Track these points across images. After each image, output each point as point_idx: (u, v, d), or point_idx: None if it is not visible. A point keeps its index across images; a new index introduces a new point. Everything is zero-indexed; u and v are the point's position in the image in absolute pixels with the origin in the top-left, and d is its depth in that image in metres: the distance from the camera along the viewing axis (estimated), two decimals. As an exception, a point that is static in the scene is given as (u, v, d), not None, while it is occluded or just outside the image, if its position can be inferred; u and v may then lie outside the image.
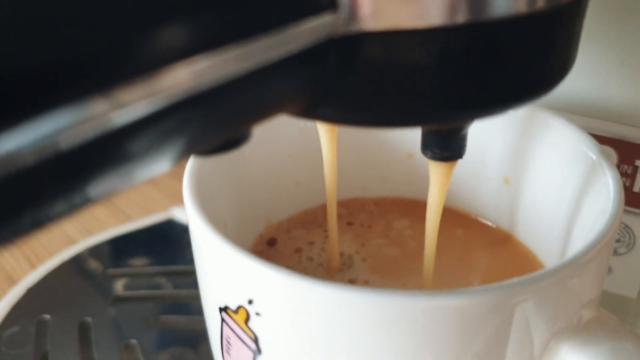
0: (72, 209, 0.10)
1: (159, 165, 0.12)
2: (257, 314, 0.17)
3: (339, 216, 0.26)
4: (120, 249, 0.35)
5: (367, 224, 0.27)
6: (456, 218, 0.26)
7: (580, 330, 0.17)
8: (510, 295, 0.16)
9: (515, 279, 0.16)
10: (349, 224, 0.27)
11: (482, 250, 0.25)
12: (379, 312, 0.16)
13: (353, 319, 0.16)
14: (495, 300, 0.16)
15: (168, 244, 0.36)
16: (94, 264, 0.34)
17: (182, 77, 0.11)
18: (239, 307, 0.17)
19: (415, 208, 0.27)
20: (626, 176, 0.25)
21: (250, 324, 0.17)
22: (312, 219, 0.27)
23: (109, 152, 0.10)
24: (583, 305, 0.17)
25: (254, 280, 0.17)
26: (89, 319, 0.30)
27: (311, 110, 0.14)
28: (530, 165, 0.24)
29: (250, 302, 0.17)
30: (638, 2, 0.23)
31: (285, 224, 0.27)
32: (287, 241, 0.25)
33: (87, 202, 0.11)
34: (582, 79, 0.25)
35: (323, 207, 0.27)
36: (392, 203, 0.28)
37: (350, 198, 0.28)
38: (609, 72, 0.24)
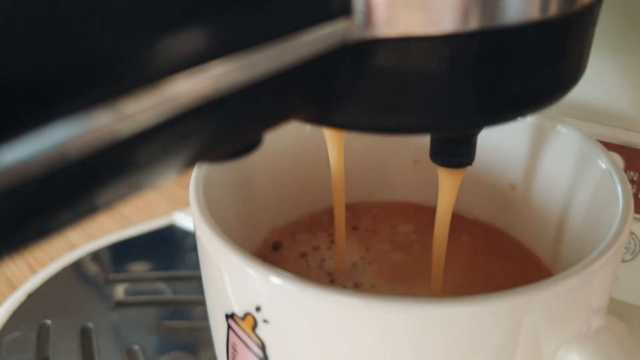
0: (79, 218, 0.10)
1: (169, 173, 0.11)
2: (265, 321, 0.17)
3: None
4: (122, 253, 0.35)
5: (372, 228, 0.26)
6: (462, 223, 0.26)
7: (590, 339, 0.17)
8: (520, 303, 0.16)
9: (525, 287, 0.16)
10: (354, 228, 0.26)
11: (488, 256, 0.25)
12: (388, 319, 0.15)
13: (362, 327, 0.16)
14: (505, 307, 0.16)
15: (169, 249, 0.35)
16: (95, 269, 0.34)
17: (195, 85, 0.10)
18: (247, 314, 0.17)
19: (420, 212, 0.27)
20: (632, 183, 0.25)
21: (258, 331, 0.17)
22: (317, 222, 0.27)
23: (119, 161, 0.10)
24: (592, 313, 0.17)
25: (263, 288, 0.16)
26: (90, 324, 0.30)
27: (323, 116, 0.14)
28: (537, 171, 0.24)
29: (258, 309, 0.17)
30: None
31: (291, 227, 0.26)
32: (292, 245, 0.25)
33: (94, 211, 0.10)
34: (589, 85, 0.24)
35: (328, 211, 0.27)
36: (396, 207, 0.28)
37: (355, 202, 0.28)
38: (616, 79, 0.24)
